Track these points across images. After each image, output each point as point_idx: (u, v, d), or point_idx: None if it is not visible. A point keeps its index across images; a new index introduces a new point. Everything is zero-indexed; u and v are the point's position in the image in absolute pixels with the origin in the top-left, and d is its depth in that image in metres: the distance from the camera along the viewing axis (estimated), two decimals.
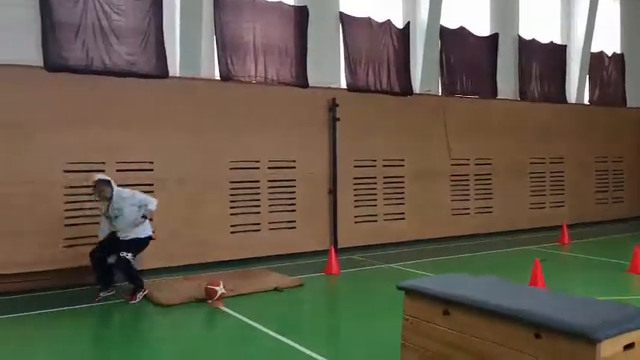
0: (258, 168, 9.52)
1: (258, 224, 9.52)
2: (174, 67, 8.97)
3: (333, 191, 10.23)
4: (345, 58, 10.67)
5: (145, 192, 8.28)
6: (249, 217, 9.43)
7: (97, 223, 7.50)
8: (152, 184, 8.51)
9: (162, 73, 8.69)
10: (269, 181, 9.62)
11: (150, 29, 8.65)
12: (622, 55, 14.86)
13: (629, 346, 3.10)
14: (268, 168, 9.60)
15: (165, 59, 8.73)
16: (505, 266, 9.20)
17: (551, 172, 13.38)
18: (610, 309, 3.32)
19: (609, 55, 14.61)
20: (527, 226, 12.73)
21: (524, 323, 3.26)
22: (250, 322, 5.96)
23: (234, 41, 9.45)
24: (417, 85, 11.55)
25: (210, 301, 6.63)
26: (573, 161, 13.70)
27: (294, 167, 9.88)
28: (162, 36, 8.73)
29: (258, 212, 9.52)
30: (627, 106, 14.90)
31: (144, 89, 8.50)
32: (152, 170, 8.57)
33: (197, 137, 8.92)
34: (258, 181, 9.51)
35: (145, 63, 8.59)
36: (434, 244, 11.08)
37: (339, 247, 10.05)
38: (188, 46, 9.02)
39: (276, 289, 7.32)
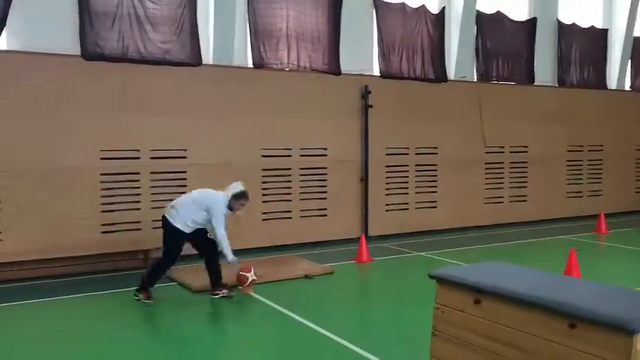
0: (290, 156, 9.55)
1: (290, 212, 9.57)
2: (208, 55, 9.04)
3: (364, 179, 10.20)
4: (379, 45, 10.57)
5: (178, 179, 8.45)
6: (281, 205, 9.48)
7: (131, 209, 7.68)
8: (185, 172, 8.64)
9: (195, 61, 8.77)
10: (300, 168, 9.64)
11: (184, 17, 8.72)
12: None
13: None
14: (300, 156, 9.62)
15: (199, 47, 8.80)
16: (540, 256, 9.03)
17: (589, 161, 13.04)
18: None
19: None
20: (563, 215, 12.47)
21: (558, 313, 3.19)
22: (280, 309, 6.01)
23: (266, 29, 9.46)
24: (451, 72, 11.37)
25: (241, 288, 6.71)
26: (612, 149, 13.31)
27: (326, 155, 9.88)
28: (197, 24, 8.79)
29: (290, 200, 9.56)
30: None
31: (178, 77, 8.60)
32: (185, 158, 8.69)
33: (229, 125, 9.00)
34: (290, 169, 9.55)
35: (179, 51, 8.68)
36: (467, 233, 10.96)
37: (370, 235, 10.04)
38: (221, 34, 9.07)
39: (306, 276, 7.36)
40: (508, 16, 11.92)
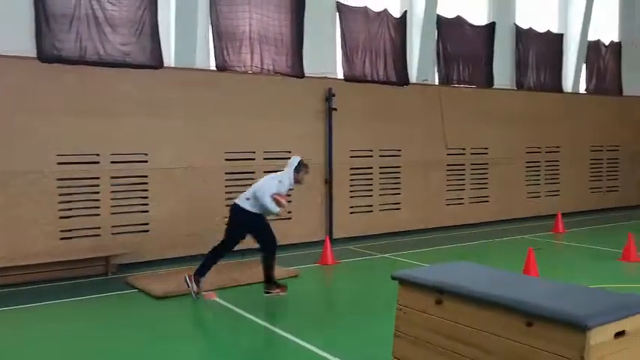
0: (253, 159, 9.51)
1: None
2: (170, 58, 8.93)
3: (329, 182, 10.24)
4: (342, 48, 10.64)
5: (139, 183, 8.31)
6: None
7: (88, 215, 7.53)
8: (146, 176, 8.51)
9: (156, 63, 8.64)
10: (265, 172, 9.54)
11: (144, 19, 8.59)
12: (619, 43, 14.82)
13: (619, 334, 3.12)
14: (264, 159, 9.59)
15: (160, 49, 8.68)
16: (500, 255, 9.23)
17: (546, 162, 13.40)
18: (601, 297, 3.33)
19: (606, 44, 14.58)
20: (523, 215, 12.78)
21: (516, 312, 3.27)
22: (244, 314, 5.98)
23: (229, 31, 9.41)
24: (413, 75, 11.53)
25: (205, 293, 6.64)
26: (569, 150, 13.72)
27: (290, 157, 9.83)
28: (157, 26, 8.68)
29: None
30: (623, 94, 14.88)
31: (138, 79, 8.46)
32: (146, 162, 8.55)
33: (192, 128, 8.91)
34: (254, 172, 9.48)
35: (140, 53, 8.55)
36: (430, 234, 11.12)
37: (334, 237, 10.08)
38: (183, 36, 8.98)
39: None
40: (468, 20, 12.16)
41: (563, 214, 11.88)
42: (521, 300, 3.26)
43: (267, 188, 6.56)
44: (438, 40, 11.80)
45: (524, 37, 12.98)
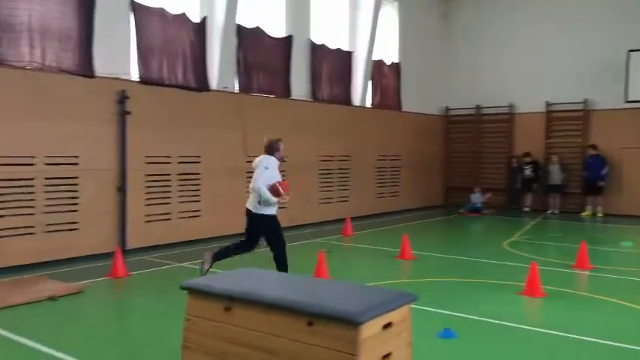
0: (32, 164, 8.56)
1: (32, 227, 8.55)
2: None
3: (122, 189, 9.67)
4: (138, 49, 10.15)
5: None
6: (20, 220, 8.42)
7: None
8: None
9: None
10: (46, 178, 8.71)
11: None
12: (399, 64, 16.59)
13: (387, 326, 3.46)
14: (45, 164, 8.69)
15: None
16: (294, 259, 9.59)
17: (338, 169, 14.40)
18: (372, 294, 3.66)
19: (388, 63, 16.21)
20: (316, 220, 13.53)
21: (298, 313, 3.43)
22: (18, 338, 5.33)
23: (6, 21, 8.36)
24: (214, 82, 11.49)
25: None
26: (358, 159, 14.93)
27: (77, 163, 9.10)
28: None
29: (33, 214, 8.55)
30: (402, 110, 16.68)
31: None
32: None
33: None
34: (33, 179, 8.56)
35: None
36: (231, 241, 11.12)
37: (128, 248, 9.56)
38: None
39: (50, 298, 6.65)
40: (267, 32, 12.53)
41: (353, 218, 12.86)
42: (302, 301, 3.43)
43: (259, 180, 6.78)
44: (238, 49, 11.94)
45: (318, 52, 13.79)
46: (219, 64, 11.51)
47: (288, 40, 13.01)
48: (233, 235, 11.43)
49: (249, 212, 7.06)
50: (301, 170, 13.25)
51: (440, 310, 6.27)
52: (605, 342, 5.30)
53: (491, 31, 17.55)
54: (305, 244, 10.94)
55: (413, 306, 3.83)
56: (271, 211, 7.03)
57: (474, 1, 17.93)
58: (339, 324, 3.26)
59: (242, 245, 7.23)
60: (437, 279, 8.00)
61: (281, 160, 7.21)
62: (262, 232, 7.09)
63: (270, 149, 7.11)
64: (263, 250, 10.14)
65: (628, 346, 5.20)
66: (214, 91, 11.38)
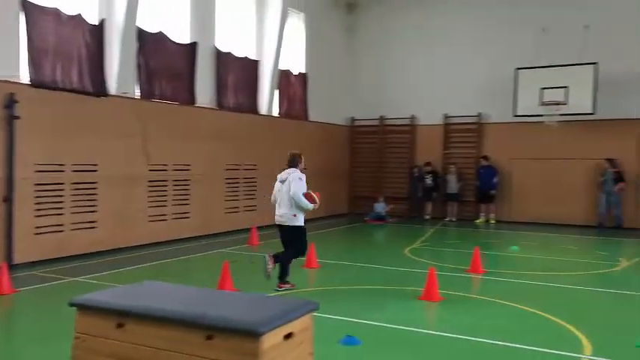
0: None
1: None
2: None
3: (8, 199, 8.97)
4: (28, 51, 9.49)
5: None
6: None
7: None
8: None
9: None
10: None
11: None
12: (305, 74, 16.77)
13: (288, 336, 3.43)
14: None
15: None
16: (198, 270, 9.41)
17: (244, 178, 14.26)
18: (274, 304, 3.62)
19: (295, 73, 16.33)
20: (223, 230, 13.30)
21: (195, 327, 3.32)
22: None
23: None
24: (113, 87, 10.99)
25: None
26: (265, 168, 14.84)
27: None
28: None
29: None
30: (309, 120, 16.86)
31: None
32: None
33: None
34: None
35: None
36: (130, 253, 10.68)
37: (15, 263, 8.87)
38: None
39: None
40: (170, 37, 12.20)
41: (260, 228, 12.77)
42: (200, 314, 3.33)
43: (299, 190, 7.52)
44: (139, 53, 11.52)
45: (223, 59, 13.61)
46: (119, 69, 11.04)
47: (192, 47, 12.73)
48: (133, 247, 11.00)
49: (282, 225, 7.75)
50: (206, 179, 12.99)
51: (344, 318, 6.35)
52: (496, 342, 5.60)
53: (393, 45, 18.22)
54: (210, 255, 10.71)
55: (316, 314, 3.84)
56: (302, 222, 7.77)
57: (377, 16, 18.53)
58: (239, 336, 3.20)
59: (293, 253, 7.82)
60: (342, 287, 8.11)
61: (302, 171, 7.91)
62: (295, 240, 7.72)
63: (294, 162, 7.89)
64: (167, 261, 9.83)
65: (516, 345, 5.53)
66: (113, 96, 10.89)
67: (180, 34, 12.65)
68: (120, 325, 3.55)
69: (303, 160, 7.95)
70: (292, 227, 7.66)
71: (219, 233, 13.13)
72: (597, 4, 15.37)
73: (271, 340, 3.26)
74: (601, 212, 15.30)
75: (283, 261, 7.72)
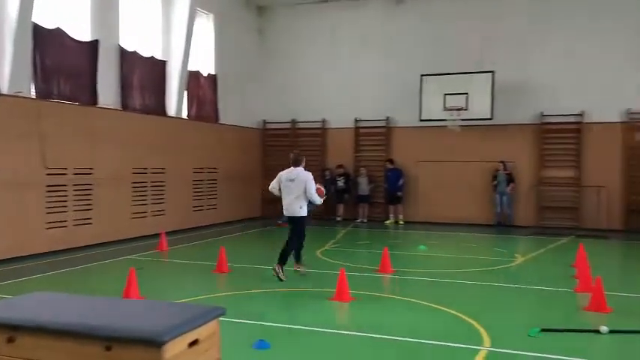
0: None
1: None
2: None
3: None
4: None
5: None
6: None
7: None
8: None
9: None
10: None
11: None
12: (215, 76, 16.50)
13: (193, 343, 3.33)
14: None
15: None
16: (102, 279, 8.97)
17: (152, 182, 13.79)
18: (178, 311, 3.51)
19: (205, 75, 16.03)
20: (129, 236, 12.79)
21: (93, 338, 3.15)
22: None
23: None
24: (5, 86, 10.25)
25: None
26: (173, 172, 14.46)
27: None
28: None
29: None
30: (219, 122, 16.61)
31: None
32: None
33: None
34: None
35: None
36: (26, 262, 9.99)
37: None
38: None
39: None
40: (69, 34, 11.56)
41: (169, 233, 12.39)
42: (98, 325, 3.15)
43: (313, 188, 8.61)
44: (34, 50, 10.82)
45: (129, 58, 13.10)
46: (12, 67, 10.32)
47: (94, 45, 12.13)
48: (29, 256, 10.30)
49: (291, 217, 8.79)
50: (111, 183, 12.42)
51: (256, 322, 6.29)
52: (405, 339, 5.77)
53: (304, 49, 18.37)
54: (116, 262, 10.24)
55: (228, 320, 3.77)
56: (306, 212, 8.79)
57: (288, 19, 18.61)
58: (140, 346, 3.06)
59: (294, 243, 8.83)
60: (254, 290, 8.04)
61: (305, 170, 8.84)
62: (299, 227, 8.80)
63: (298, 162, 8.71)
64: (68, 270, 9.30)
65: (421, 340, 5.73)
66: (5, 95, 10.15)
67: (81, 31, 12.02)
68: (10, 340, 3.29)
69: (304, 160, 8.88)
70: (299, 217, 8.73)
71: (126, 239, 12.60)
72: (494, 18, 16.33)
73: (175, 348, 3.15)
74: (497, 212, 16.26)
75: (293, 251, 8.85)
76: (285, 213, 8.86)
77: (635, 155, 15.30)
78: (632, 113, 15.22)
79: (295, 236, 8.80)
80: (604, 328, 5.85)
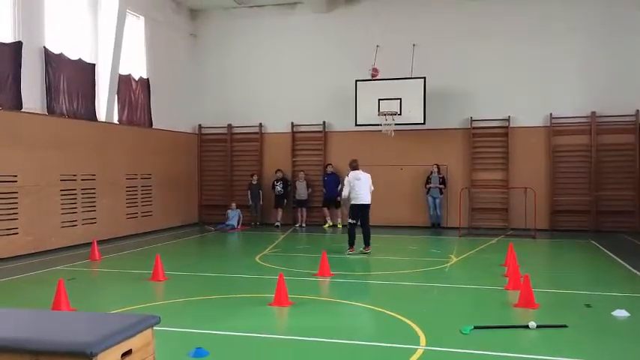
0: None
1: None
2: None
3: None
4: None
5: None
6: None
7: None
8: None
9: None
10: None
11: None
12: (147, 79, 16.09)
13: (127, 353, 3.23)
14: None
15: None
16: (30, 291, 8.53)
17: (82, 189, 13.27)
18: (110, 321, 3.39)
19: (136, 78, 15.60)
20: (59, 246, 12.26)
21: (20, 352, 3.00)
22: None
23: None
24: None
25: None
26: (105, 178, 13.97)
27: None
28: None
29: None
30: (153, 127, 16.20)
31: None
32: None
33: None
34: None
35: None
36: None
37: None
38: None
39: None
40: None
41: (101, 241, 11.95)
42: (25, 338, 3.01)
43: (371, 184, 11.69)
44: None
45: (54, 61, 12.54)
46: None
47: (16, 47, 11.55)
48: None
49: (368, 206, 11.60)
50: (38, 191, 11.86)
51: (193, 330, 6.16)
52: (344, 341, 5.81)
53: (239, 53, 18.22)
54: (44, 274, 9.75)
55: (164, 328, 3.67)
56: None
57: (221, 23, 18.39)
58: (70, 358, 2.94)
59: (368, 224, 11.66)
60: (191, 298, 7.87)
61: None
62: (368, 213, 11.65)
63: (357, 166, 11.77)
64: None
65: (359, 342, 5.79)
66: None
67: (2, 32, 11.43)
68: None
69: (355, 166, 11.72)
70: (368, 205, 11.56)
71: (56, 249, 12.05)
72: (424, 26, 16.81)
73: (107, 359, 3.04)
74: (430, 214, 16.71)
75: (369, 234, 11.68)
76: (360, 202, 11.42)
77: (559, 158, 16.14)
78: (554, 118, 16.06)
79: (367, 222, 11.56)
80: (532, 324, 6.12)
